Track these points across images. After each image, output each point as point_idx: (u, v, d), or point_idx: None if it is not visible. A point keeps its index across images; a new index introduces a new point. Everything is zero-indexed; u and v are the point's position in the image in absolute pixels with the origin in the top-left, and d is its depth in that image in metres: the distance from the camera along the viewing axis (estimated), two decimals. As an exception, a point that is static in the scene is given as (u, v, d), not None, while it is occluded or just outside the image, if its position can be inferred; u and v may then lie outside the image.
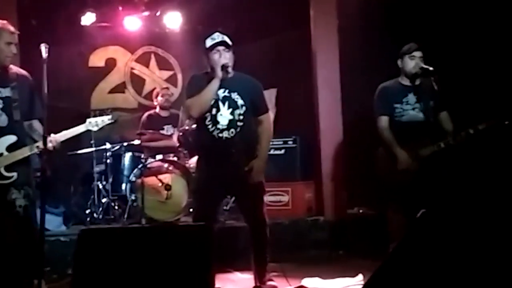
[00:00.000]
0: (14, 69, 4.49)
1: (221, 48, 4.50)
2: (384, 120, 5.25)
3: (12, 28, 4.41)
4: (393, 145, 5.15)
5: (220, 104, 4.53)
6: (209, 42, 4.53)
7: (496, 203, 2.64)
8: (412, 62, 5.16)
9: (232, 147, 4.45)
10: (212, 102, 4.50)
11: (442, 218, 2.69)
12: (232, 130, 4.53)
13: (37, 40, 4.30)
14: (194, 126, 5.25)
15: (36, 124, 4.48)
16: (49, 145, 4.30)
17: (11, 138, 4.34)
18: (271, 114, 4.78)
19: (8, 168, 4.30)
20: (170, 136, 7.15)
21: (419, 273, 2.55)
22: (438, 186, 4.92)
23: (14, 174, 4.31)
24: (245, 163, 4.50)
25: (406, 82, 5.27)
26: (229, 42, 4.53)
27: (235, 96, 4.56)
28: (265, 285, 4.62)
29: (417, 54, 5.16)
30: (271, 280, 4.70)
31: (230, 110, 4.54)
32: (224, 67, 4.45)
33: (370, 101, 5.39)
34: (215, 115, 4.52)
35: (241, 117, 4.56)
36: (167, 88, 8.08)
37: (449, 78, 5.39)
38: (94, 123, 4.64)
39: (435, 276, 2.50)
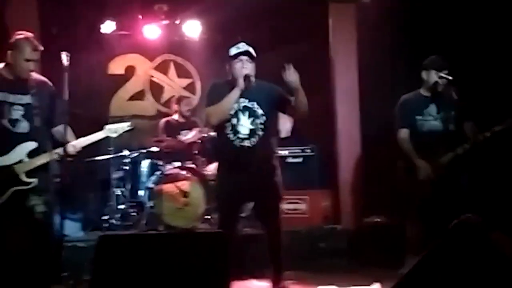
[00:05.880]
0: (34, 75, 4.47)
1: (244, 58, 4.51)
2: (404, 132, 5.24)
3: (36, 44, 4.34)
4: (414, 156, 5.14)
5: (240, 114, 4.54)
6: (233, 51, 4.55)
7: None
8: (436, 78, 5.13)
9: (254, 156, 4.46)
10: (232, 111, 4.52)
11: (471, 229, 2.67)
12: (253, 139, 4.53)
13: (58, 48, 4.31)
14: (212, 134, 5.25)
15: (62, 130, 4.41)
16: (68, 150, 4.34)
17: (32, 145, 4.36)
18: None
19: (29, 174, 4.32)
20: (188, 142, 7.16)
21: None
22: (458, 194, 4.91)
23: (35, 180, 4.32)
24: (265, 171, 4.52)
25: (427, 93, 5.26)
26: (253, 54, 4.55)
27: (255, 106, 4.57)
28: (281, 293, 4.62)
29: (445, 72, 5.11)
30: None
31: (251, 119, 4.54)
32: (246, 78, 4.46)
33: (388, 110, 5.38)
34: (236, 125, 4.53)
35: (262, 126, 4.57)
36: (189, 97, 8.07)
37: (471, 88, 5.36)
38: (113, 130, 4.67)
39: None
